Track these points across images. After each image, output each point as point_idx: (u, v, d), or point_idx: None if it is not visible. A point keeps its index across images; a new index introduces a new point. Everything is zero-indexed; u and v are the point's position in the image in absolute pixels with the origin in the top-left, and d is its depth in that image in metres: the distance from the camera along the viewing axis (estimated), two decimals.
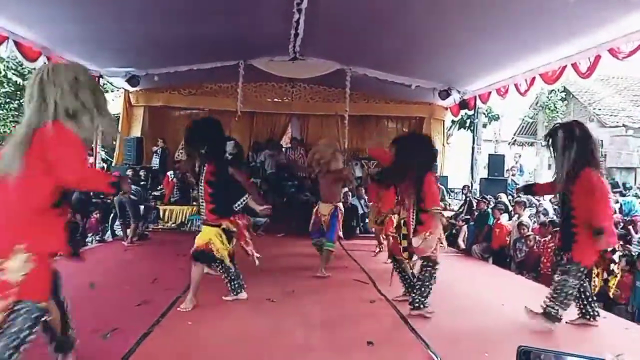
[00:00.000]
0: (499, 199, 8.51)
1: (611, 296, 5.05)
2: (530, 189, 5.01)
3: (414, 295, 4.11)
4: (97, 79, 9.32)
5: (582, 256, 3.68)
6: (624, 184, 14.07)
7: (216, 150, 4.23)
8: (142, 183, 9.22)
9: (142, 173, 9.66)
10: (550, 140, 3.88)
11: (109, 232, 8.36)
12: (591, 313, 3.90)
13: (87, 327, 3.39)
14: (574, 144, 3.66)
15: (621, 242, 5.82)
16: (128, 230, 7.59)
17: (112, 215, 8.17)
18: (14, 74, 13.91)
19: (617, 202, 9.67)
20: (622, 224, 7.29)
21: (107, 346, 3.15)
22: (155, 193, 9.63)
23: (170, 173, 9.76)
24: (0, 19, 6.14)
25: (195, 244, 4.14)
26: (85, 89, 2.45)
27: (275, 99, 11.69)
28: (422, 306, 4.05)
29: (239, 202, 4.20)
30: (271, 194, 10.69)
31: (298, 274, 5.75)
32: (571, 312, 3.91)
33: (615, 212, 8.78)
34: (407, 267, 4.51)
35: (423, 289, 4.07)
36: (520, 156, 12.56)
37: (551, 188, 4.24)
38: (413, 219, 4.15)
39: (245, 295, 4.39)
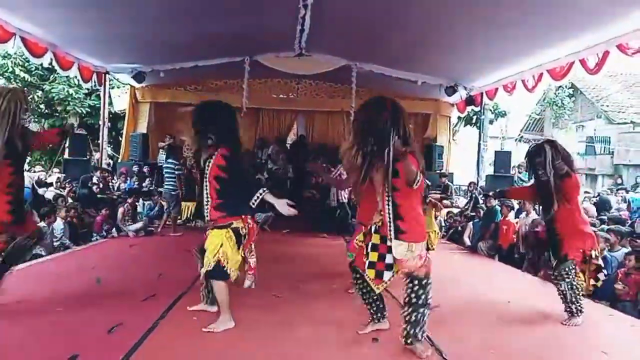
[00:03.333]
0: None
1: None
2: (504, 194, 5.03)
3: (405, 326, 3.08)
4: (103, 75, 9.37)
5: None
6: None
7: (229, 136, 3.52)
8: (147, 179, 9.23)
9: (145, 169, 9.68)
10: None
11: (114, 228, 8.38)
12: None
13: (93, 321, 3.42)
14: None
15: (629, 239, 5.79)
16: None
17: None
18: (21, 70, 13.97)
19: (625, 199, 9.62)
20: (629, 222, 7.25)
21: (112, 340, 3.16)
22: (161, 189, 9.63)
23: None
24: (10, 17, 6.17)
25: (206, 257, 3.42)
26: None
27: (281, 95, 11.70)
28: (415, 339, 3.06)
29: (254, 198, 3.44)
30: (276, 190, 10.68)
31: (304, 270, 5.75)
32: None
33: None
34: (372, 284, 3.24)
35: (415, 316, 3.04)
36: None
37: (529, 193, 4.42)
38: (390, 216, 3.04)
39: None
